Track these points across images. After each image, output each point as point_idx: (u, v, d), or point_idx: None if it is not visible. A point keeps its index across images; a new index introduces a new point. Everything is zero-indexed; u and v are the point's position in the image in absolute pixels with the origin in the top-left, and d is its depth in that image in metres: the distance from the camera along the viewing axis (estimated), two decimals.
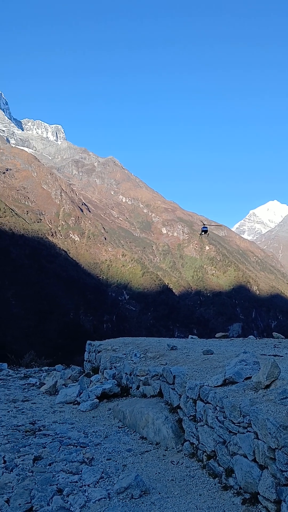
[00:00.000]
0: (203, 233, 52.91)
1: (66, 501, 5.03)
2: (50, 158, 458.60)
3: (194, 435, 6.19)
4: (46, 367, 15.51)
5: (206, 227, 52.10)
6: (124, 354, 11.64)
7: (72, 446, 6.77)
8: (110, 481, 5.54)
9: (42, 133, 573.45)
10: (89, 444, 6.89)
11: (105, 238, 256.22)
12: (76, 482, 5.51)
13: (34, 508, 4.85)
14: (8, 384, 12.14)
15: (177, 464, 6.00)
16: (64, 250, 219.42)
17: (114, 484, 5.40)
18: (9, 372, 14.27)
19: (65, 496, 5.13)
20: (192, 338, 14.76)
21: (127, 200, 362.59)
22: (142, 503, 4.93)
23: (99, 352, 12.97)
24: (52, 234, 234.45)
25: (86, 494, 5.20)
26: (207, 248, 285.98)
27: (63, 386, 10.88)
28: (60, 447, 6.74)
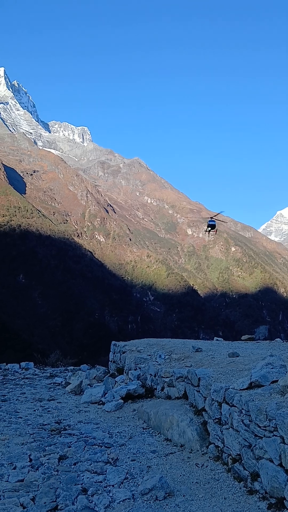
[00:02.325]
0: (209, 229, 43.00)
1: (90, 501, 5.05)
2: (76, 159, 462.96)
3: (219, 438, 6.14)
4: (72, 367, 15.66)
5: (214, 221, 42.57)
6: (149, 355, 11.64)
7: (97, 446, 6.80)
8: (134, 482, 5.54)
9: (68, 135, 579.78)
10: (113, 444, 6.92)
11: (130, 239, 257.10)
12: (101, 482, 5.54)
13: (59, 507, 4.89)
14: (34, 383, 12.31)
15: (202, 466, 5.96)
16: (89, 251, 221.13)
17: (139, 485, 5.40)
18: (35, 371, 14.46)
19: (90, 496, 5.16)
20: (217, 340, 14.66)
21: (152, 201, 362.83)
22: (167, 505, 4.91)
23: (123, 352, 13.01)
24: (78, 235, 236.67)
25: (111, 494, 5.22)
26: (233, 249, 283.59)
27: (88, 386, 10.96)
28: (85, 446, 6.79)
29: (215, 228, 42.81)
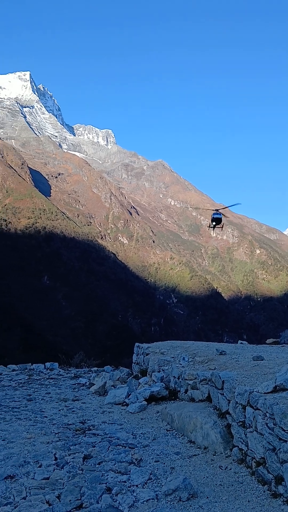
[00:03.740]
0: (214, 223, 34.63)
1: (114, 500, 5.12)
2: (100, 162, 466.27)
3: (243, 441, 6.13)
4: (95, 368, 15.80)
5: (220, 214, 34.21)
6: (172, 357, 11.66)
7: (120, 447, 6.87)
8: (158, 483, 5.58)
9: (93, 138, 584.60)
10: (137, 445, 6.97)
11: (154, 241, 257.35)
12: (125, 482, 5.59)
13: (84, 505, 4.97)
14: (59, 383, 12.48)
15: (225, 469, 5.95)
16: (113, 253, 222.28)
17: (162, 485, 5.44)
18: (60, 371, 14.64)
19: (114, 495, 5.22)
20: (241, 343, 14.57)
21: (175, 203, 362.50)
22: (190, 506, 4.94)
23: (147, 354, 13.05)
24: (102, 237, 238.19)
25: (135, 494, 5.27)
26: (258, 252, 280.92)
27: (112, 387, 11.05)
28: (109, 447, 6.86)
29: (222, 223, 34.84)
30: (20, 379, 12.92)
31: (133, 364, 14.62)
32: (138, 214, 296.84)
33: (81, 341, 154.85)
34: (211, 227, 35.63)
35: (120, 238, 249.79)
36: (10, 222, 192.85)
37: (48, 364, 15.50)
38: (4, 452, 6.45)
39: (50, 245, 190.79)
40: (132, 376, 12.69)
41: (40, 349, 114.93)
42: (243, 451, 6.13)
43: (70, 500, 5.07)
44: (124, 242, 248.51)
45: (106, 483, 5.51)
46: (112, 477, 5.71)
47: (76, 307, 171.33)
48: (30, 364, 15.45)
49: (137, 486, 5.52)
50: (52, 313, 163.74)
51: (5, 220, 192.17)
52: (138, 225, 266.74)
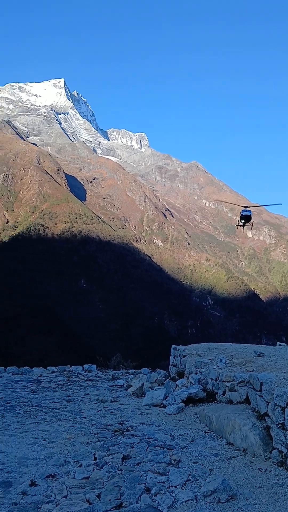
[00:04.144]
0: (243, 221, 31.78)
1: (154, 500, 5.15)
2: (134, 165, 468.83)
3: (283, 443, 6.04)
4: (133, 370, 15.89)
5: (249, 211, 31.61)
6: (209, 359, 11.60)
7: (159, 448, 6.90)
8: (197, 484, 5.58)
9: (126, 141, 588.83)
10: (175, 446, 6.99)
11: (189, 243, 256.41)
12: (164, 482, 5.62)
13: (123, 505, 5.03)
14: (97, 385, 12.63)
15: (265, 471, 5.89)
16: (148, 256, 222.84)
17: (201, 487, 5.44)
18: (98, 373, 14.82)
19: (153, 495, 5.26)
20: (280, 345, 14.33)
21: (210, 204, 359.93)
22: (229, 507, 4.92)
23: (184, 356, 13.04)
24: (137, 240, 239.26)
25: (173, 495, 5.29)
26: None
27: (149, 389, 11.10)
28: (147, 448, 6.91)
29: (251, 221, 32.17)
30: (59, 381, 13.16)
31: (170, 366, 14.63)
32: (173, 216, 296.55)
33: (118, 344, 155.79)
34: (239, 225, 32.69)
35: (155, 241, 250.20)
36: (47, 227, 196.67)
37: (86, 366, 15.72)
38: (45, 451, 6.60)
39: (86, 249, 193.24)
40: (170, 378, 12.71)
41: (78, 352, 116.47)
42: (283, 454, 6.05)
43: (110, 500, 5.15)
44: (159, 244, 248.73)
45: (145, 483, 5.56)
46: (151, 478, 5.75)
47: (112, 309, 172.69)
48: (68, 366, 15.71)
49: (176, 486, 5.54)
50: (89, 315, 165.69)
51: (43, 225, 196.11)
52: (172, 227, 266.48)
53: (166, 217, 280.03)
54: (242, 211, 31.96)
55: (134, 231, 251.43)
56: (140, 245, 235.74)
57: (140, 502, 5.09)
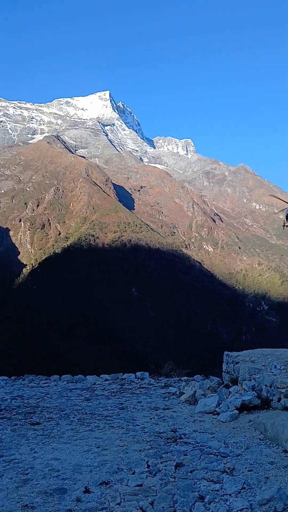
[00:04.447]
0: None
1: (208, 508, 5.09)
2: (181, 172, 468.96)
3: None
4: (185, 377, 15.80)
5: None
6: (263, 365, 11.37)
7: (212, 455, 6.81)
8: (252, 492, 5.46)
9: (172, 148, 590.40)
10: (229, 454, 6.87)
11: (240, 247, 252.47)
12: (217, 490, 5.54)
13: None
14: (150, 392, 12.66)
15: None
16: (198, 262, 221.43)
17: (256, 495, 5.32)
18: (150, 381, 14.85)
19: (207, 504, 5.19)
20: None
21: (261, 207, 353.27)
22: None
23: (237, 363, 12.83)
24: (186, 246, 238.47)
25: (228, 503, 5.20)
26: None
27: (202, 396, 10.99)
28: (201, 455, 6.84)
29: None
30: (112, 389, 13.29)
31: (223, 373, 14.43)
32: (222, 221, 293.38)
33: (171, 351, 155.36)
34: (286, 226, 28.19)
35: (204, 246, 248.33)
36: (97, 237, 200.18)
37: (138, 373, 15.79)
38: (99, 459, 6.69)
39: (136, 257, 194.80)
40: (223, 385, 12.54)
41: (131, 359, 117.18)
42: None
43: (163, 507, 5.13)
44: (209, 250, 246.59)
45: (198, 491, 5.50)
46: (204, 486, 5.68)
47: (164, 317, 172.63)
48: (121, 373, 15.84)
49: (230, 495, 5.45)
50: (142, 323, 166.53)
51: (93, 236, 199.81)
52: (222, 232, 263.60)
53: (215, 222, 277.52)
54: None
55: (183, 238, 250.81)
56: (190, 252, 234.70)
57: (193, 511, 5.05)
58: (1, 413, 9.84)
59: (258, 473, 6.10)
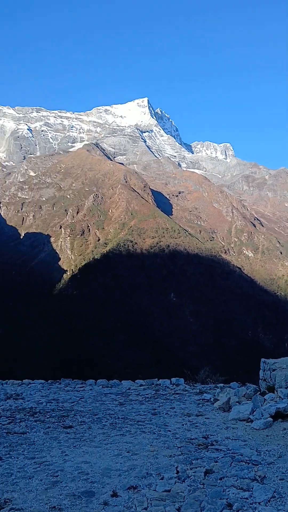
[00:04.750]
0: None
1: None
2: (220, 176, 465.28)
3: None
4: (221, 384, 15.60)
5: None
6: None
7: (243, 463, 6.70)
8: (282, 501, 5.34)
9: (211, 153, 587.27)
10: (261, 462, 6.74)
11: (281, 253, 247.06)
12: (246, 498, 5.45)
13: None
14: (184, 398, 12.59)
15: None
16: (238, 267, 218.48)
17: (286, 504, 5.20)
18: (185, 387, 14.76)
19: (235, 511, 5.12)
20: None
21: None
22: None
23: (273, 370, 12.57)
24: (225, 252, 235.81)
25: (256, 511, 5.11)
26: None
27: (237, 403, 10.83)
28: (231, 462, 6.74)
29: None
30: (147, 394, 13.30)
31: (260, 380, 14.17)
32: (263, 226, 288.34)
33: (211, 357, 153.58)
34: None
35: (244, 252, 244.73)
36: (136, 243, 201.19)
37: (174, 379, 15.72)
38: (128, 463, 6.71)
39: (175, 262, 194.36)
40: (259, 392, 12.32)
41: (171, 365, 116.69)
42: None
43: None
44: (249, 255, 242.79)
45: (227, 499, 5.42)
46: (233, 493, 5.60)
47: (204, 323, 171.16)
48: (156, 379, 15.83)
49: (259, 503, 5.34)
50: (181, 329, 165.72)
51: (132, 241, 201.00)
52: (263, 236, 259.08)
53: (255, 226, 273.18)
54: None
55: (222, 243, 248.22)
56: (229, 257, 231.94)
57: None
58: (35, 416, 10.05)
59: None
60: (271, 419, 8.99)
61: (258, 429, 8.72)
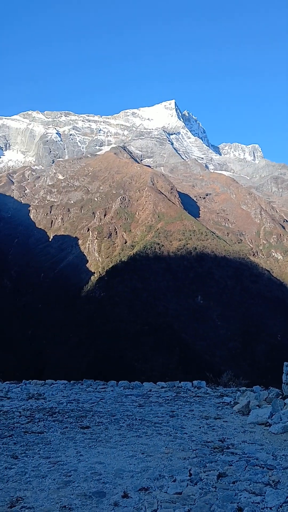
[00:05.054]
0: None
1: None
2: (248, 178, 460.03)
3: None
4: (244, 388, 15.43)
5: None
6: None
7: (258, 467, 6.62)
8: None
9: (239, 155, 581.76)
10: (276, 467, 6.64)
11: None
12: (258, 503, 5.38)
13: None
14: (204, 401, 12.50)
15: None
16: (267, 270, 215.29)
17: None
18: (207, 390, 14.66)
19: None
20: None
21: None
22: None
23: None
24: (254, 254, 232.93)
25: None
26: None
27: (257, 407, 10.69)
28: (246, 466, 6.67)
29: None
30: (167, 396, 13.27)
31: (283, 384, 13.94)
32: None
33: (240, 362, 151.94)
34: None
35: (273, 254, 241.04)
36: (163, 246, 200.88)
37: (195, 382, 15.64)
38: (142, 465, 6.72)
39: (202, 265, 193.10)
40: (281, 396, 12.14)
41: (198, 369, 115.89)
42: None
43: None
44: (279, 257, 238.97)
45: (238, 503, 5.37)
46: (245, 497, 5.54)
47: (232, 326, 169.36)
48: (178, 381, 15.78)
49: (270, 508, 5.27)
50: (208, 333, 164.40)
51: (158, 244, 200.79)
52: None
53: (285, 228, 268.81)
54: None
55: (250, 245, 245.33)
56: (258, 259, 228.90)
57: None
58: (54, 416, 10.17)
59: None
60: None
61: (276, 433, 8.60)
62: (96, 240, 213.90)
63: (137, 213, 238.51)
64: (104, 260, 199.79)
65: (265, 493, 5.69)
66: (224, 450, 7.47)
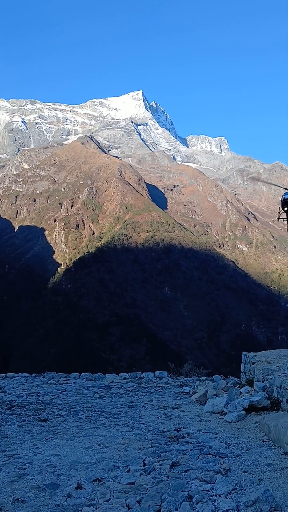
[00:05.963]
0: (286, 208, 21.01)
1: (194, 508, 5.07)
2: (214, 170, 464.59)
3: None
4: (204, 377, 15.70)
5: None
6: (277, 366, 11.21)
7: (211, 456, 6.77)
8: (242, 494, 5.40)
9: (206, 147, 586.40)
10: (228, 455, 6.81)
11: (275, 247, 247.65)
12: (208, 491, 5.51)
13: (162, 511, 5.02)
14: (164, 391, 12.66)
15: None
16: (232, 261, 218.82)
17: (245, 496, 5.28)
18: (168, 380, 14.84)
19: (194, 504, 5.18)
20: None
21: None
22: None
23: (253, 363, 12.68)
24: (220, 246, 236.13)
25: (215, 503, 5.17)
26: None
27: (214, 396, 10.90)
28: (199, 455, 6.81)
29: None
30: (129, 387, 13.36)
31: (241, 373, 14.30)
32: (257, 220, 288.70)
33: (205, 351, 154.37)
34: (283, 216, 21.86)
35: (238, 246, 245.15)
36: (130, 237, 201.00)
37: (157, 372, 15.81)
38: (97, 456, 6.77)
39: (169, 257, 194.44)
40: (239, 385, 12.44)
41: (166, 359, 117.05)
42: None
43: (149, 505, 5.16)
44: (243, 249, 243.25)
45: (188, 491, 5.49)
46: (196, 485, 5.67)
47: (198, 317, 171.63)
48: (140, 372, 15.90)
49: (219, 495, 5.41)
50: (175, 323, 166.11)
51: (126, 235, 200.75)
52: (257, 231, 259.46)
53: (249, 220, 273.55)
54: (285, 194, 20.87)
55: (216, 237, 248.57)
56: (224, 251, 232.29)
57: (179, 510, 5.05)
58: (13, 409, 10.10)
59: (252, 474, 6.03)
60: (244, 412, 9.07)
61: (230, 422, 8.81)
62: (63, 231, 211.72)
63: (104, 204, 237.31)
64: (72, 251, 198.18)
65: (215, 481, 5.83)
66: (179, 440, 7.60)
